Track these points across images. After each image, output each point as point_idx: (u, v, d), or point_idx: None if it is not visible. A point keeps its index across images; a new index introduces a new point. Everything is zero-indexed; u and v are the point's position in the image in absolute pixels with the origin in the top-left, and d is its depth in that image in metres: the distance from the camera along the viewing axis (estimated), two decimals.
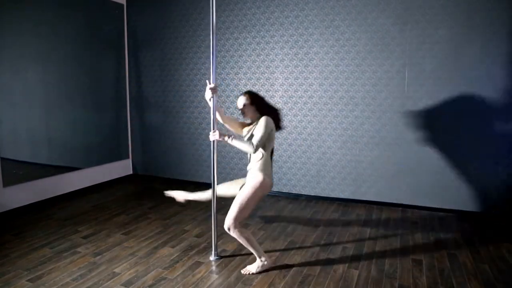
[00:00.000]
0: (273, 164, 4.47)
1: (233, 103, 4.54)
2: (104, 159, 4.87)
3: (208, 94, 2.67)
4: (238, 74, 4.49)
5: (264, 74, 4.36)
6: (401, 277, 2.52)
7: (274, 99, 4.34)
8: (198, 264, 2.71)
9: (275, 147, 2.81)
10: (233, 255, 2.84)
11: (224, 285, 2.42)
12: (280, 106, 4.32)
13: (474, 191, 3.67)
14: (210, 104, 2.72)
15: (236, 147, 2.60)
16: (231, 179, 4.67)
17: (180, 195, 3.01)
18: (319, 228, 3.40)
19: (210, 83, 2.68)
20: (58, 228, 3.35)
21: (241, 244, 3.04)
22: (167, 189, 3.12)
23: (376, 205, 4.02)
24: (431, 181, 3.80)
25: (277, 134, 4.39)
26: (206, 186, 2.98)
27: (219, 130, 2.66)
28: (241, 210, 2.48)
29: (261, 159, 2.56)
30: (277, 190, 4.47)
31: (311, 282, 2.45)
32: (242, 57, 4.45)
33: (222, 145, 4.65)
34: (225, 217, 2.50)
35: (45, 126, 4.08)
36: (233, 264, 2.71)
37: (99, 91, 4.75)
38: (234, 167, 4.66)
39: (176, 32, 4.78)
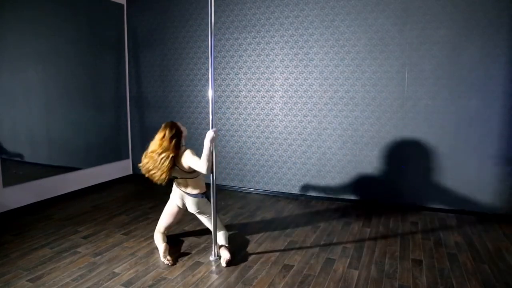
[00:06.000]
0: (273, 164, 4.47)
1: (233, 103, 4.55)
2: (104, 159, 4.87)
3: (211, 137, 2.61)
4: (238, 74, 4.49)
5: (264, 74, 4.36)
6: (401, 277, 2.52)
7: (274, 99, 4.34)
8: (198, 264, 2.71)
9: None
10: (233, 255, 2.84)
11: (224, 285, 2.42)
12: (280, 106, 4.33)
13: (474, 191, 3.67)
14: (208, 147, 2.60)
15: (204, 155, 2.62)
16: (231, 179, 4.69)
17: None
18: (319, 228, 3.40)
19: (211, 129, 2.66)
20: (58, 228, 3.35)
21: (242, 244, 3.04)
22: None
23: (376, 205, 4.02)
24: (431, 181, 3.80)
25: (277, 135, 4.39)
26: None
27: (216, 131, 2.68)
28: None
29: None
30: (277, 190, 4.47)
31: (311, 282, 2.45)
32: (242, 57, 4.45)
33: (222, 146, 4.66)
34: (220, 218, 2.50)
35: (45, 126, 4.08)
36: (233, 264, 2.71)
37: (99, 91, 4.75)
38: (234, 167, 4.66)
39: (176, 32, 4.78)
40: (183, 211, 3.02)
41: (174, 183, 2.99)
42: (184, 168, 2.80)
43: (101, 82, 4.77)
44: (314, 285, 2.42)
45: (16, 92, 3.75)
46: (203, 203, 2.93)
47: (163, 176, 2.72)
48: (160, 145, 2.75)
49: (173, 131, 2.78)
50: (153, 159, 2.74)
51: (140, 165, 2.84)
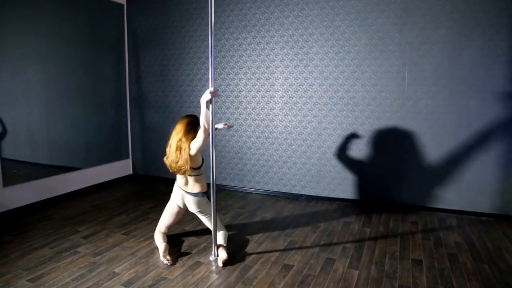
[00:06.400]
0: (273, 164, 4.47)
1: (233, 103, 4.55)
2: (104, 159, 4.87)
3: (206, 97, 2.61)
4: (238, 74, 4.49)
5: (264, 74, 4.36)
6: (401, 277, 2.52)
7: (274, 99, 4.34)
8: (198, 264, 2.71)
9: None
10: (233, 255, 2.84)
11: (224, 285, 2.42)
12: (280, 106, 4.33)
13: (474, 191, 3.67)
14: (204, 109, 2.63)
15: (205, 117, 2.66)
16: (231, 179, 4.68)
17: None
18: (319, 228, 3.40)
19: (210, 87, 2.66)
20: (58, 228, 3.35)
21: (242, 244, 3.04)
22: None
23: (375, 205, 4.02)
24: (431, 181, 3.80)
25: (277, 135, 4.39)
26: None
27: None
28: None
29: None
30: (277, 190, 4.47)
31: (311, 282, 2.45)
32: (242, 57, 4.45)
33: (222, 145, 4.66)
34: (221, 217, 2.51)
35: (45, 126, 4.08)
36: (233, 264, 2.71)
37: (99, 91, 4.75)
38: (234, 167, 4.66)
39: (176, 32, 4.78)
40: (183, 211, 3.02)
41: (175, 183, 2.99)
42: (193, 160, 2.78)
43: (101, 82, 4.77)
44: (314, 285, 2.42)
45: (16, 92, 3.75)
46: (204, 202, 2.93)
47: (187, 166, 2.76)
48: (188, 131, 2.77)
49: (197, 121, 2.84)
50: (178, 155, 2.77)
51: (166, 160, 2.86)
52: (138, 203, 4.10)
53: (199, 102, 4.73)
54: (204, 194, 2.93)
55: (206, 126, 2.62)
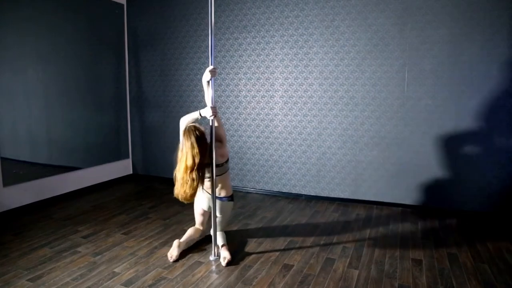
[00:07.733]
0: (273, 164, 4.47)
1: (233, 102, 4.55)
2: (104, 159, 4.87)
3: (206, 77, 2.63)
4: (238, 74, 4.50)
5: (264, 74, 4.36)
6: (401, 277, 2.52)
7: (274, 99, 4.34)
8: (198, 264, 2.71)
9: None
10: (233, 255, 2.84)
11: (224, 285, 2.42)
12: (280, 106, 4.33)
13: (474, 191, 3.67)
14: (206, 88, 2.71)
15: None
16: (231, 179, 4.68)
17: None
18: (319, 228, 3.40)
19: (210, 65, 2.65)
20: (58, 228, 3.35)
21: (242, 244, 3.04)
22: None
23: (376, 205, 4.02)
24: (431, 181, 3.80)
25: (277, 134, 4.39)
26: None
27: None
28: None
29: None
30: (277, 190, 4.47)
31: (311, 282, 2.45)
32: (242, 57, 4.45)
33: None
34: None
35: (45, 126, 4.08)
36: (233, 264, 2.71)
37: (99, 91, 4.75)
38: (234, 167, 4.66)
39: (176, 32, 4.78)
40: (209, 212, 2.95)
41: (199, 187, 2.77)
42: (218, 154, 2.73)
43: (101, 82, 4.77)
44: (314, 285, 2.42)
45: (16, 92, 3.75)
46: (230, 207, 2.93)
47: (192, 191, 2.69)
48: (205, 145, 2.69)
49: (198, 131, 2.68)
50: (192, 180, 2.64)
51: (182, 196, 2.68)
52: (138, 203, 4.10)
53: (199, 102, 4.74)
54: (230, 198, 2.90)
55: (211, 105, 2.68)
